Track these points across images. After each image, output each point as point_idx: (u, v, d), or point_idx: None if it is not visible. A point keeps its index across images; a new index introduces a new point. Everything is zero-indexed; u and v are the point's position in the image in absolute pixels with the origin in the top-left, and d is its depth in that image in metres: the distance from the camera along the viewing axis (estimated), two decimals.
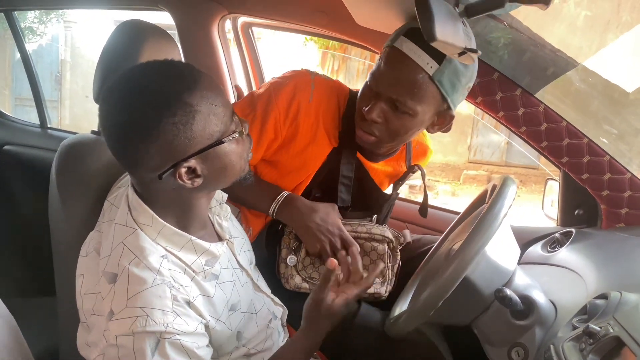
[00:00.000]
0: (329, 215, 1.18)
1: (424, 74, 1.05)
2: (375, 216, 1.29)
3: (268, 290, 1.15)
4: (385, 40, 1.12)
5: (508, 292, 0.93)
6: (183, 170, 0.84)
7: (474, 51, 0.78)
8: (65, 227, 1.09)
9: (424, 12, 0.69)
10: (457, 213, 1.77)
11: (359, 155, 1.27)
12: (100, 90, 1.12)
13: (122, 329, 0.81)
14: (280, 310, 1.16)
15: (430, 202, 1.37)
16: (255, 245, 1.19)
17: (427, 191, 1.34)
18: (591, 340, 0.74)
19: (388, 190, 1.40)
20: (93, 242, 0.98)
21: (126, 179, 1.09)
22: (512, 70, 1.28)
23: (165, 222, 0.90)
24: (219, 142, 0.86)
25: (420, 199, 1.38)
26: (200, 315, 0.90)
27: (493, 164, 10.21)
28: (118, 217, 0.93)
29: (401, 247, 1.26)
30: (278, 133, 1.20)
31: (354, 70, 8.67)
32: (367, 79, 1.13)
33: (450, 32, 0.72)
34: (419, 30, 0.86)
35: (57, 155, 1.11)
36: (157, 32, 1.17)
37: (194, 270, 0.92)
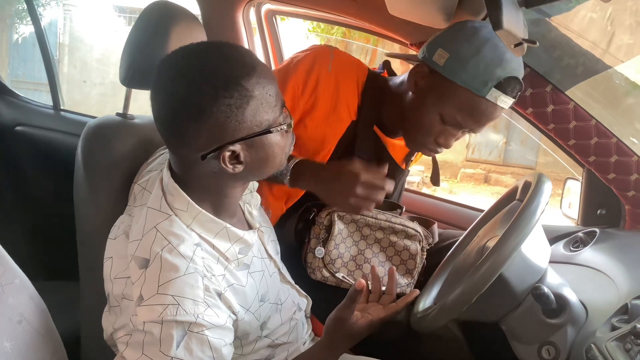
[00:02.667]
0: (341, 174, 1.09)
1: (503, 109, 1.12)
2: (403, 208, 1.27)
3: (292, 281, 1.13)
4: (417, 33, 1.11)
5: (545, 289, 0.92)
6: (227, 154, 0.82)
7: (531, 42, 0.76)
8: (91, 210, 1.07)
9: (492, 4, 0.68)
10: (474, 209, 1.77)
11: (376, 129, 1.26)
12: (128, 71, 1.09)
13: (151, 315, 0.79)
14: (304, 302, 1.14)
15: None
16: (279, 230, 1.17)
17: (424, 188, 1.33)
18: (638, 341, 0.73)
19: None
20: (123, 225, 0.95)
21: (156, 162, 1.07)
22: (543, 65, 1.27)
23: (201, 209, 0.88)
24: (267, 131, 0.85)
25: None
26: (230, 307, 0.88)
27: (491, 163, 10.24)
28: (151, 201, 0.91)
29: (429, 247, 1.24)
30: (296, 105, 1.18)
31: None
32: (442, 110, 1.11)
33: (514, 22, 0.70)
34: (511, 80, 1.03)
35: (82, 137, 1.09)
36: (186, 14, 1.15)
37: (227, 259, 0.90)
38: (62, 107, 1.92)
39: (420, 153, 1.39)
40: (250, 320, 0.93)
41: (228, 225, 0.91)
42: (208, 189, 0.90)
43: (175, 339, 0.78)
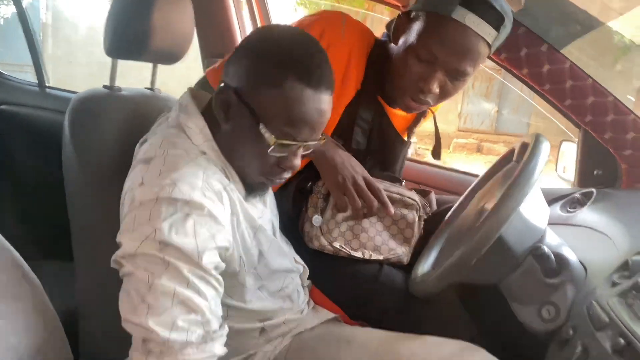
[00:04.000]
0: (352, 158, 1.14)
1: (484, 42, 1.06)
2: (404, 182, 1.26)
3: (290, 250, 1.12)
4: None
5: (545, 249, 0.92)
6: (223, 95, 0.86)
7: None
8: (81, 186, 1.05)
9: None
10: (470, 174, 1.76)
11: (380, 99, 1.24)
12: (113, 42, 1.07)
13: (148, 195, 0.79)
14: (300, 267, 1.14)
15: None
16: (277, 198, 1.16)
17: (416, 159, 1.31)
18: None
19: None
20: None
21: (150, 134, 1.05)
22: (539, 24, 1.24)
23: (212, 138, 0.90)
24: (257, 118, 0.84)
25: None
26: (230, 206, 0.88)
27: (483, 132, 10.26)
28: (162, 126, 0.93)
29: (426, 217, 1.23)
30: None
31: None
32: (415, 48, 1.09)
33: None
34: None
35: (69, 111, 1.06)
36: None
37: (228, 187, 0.89)
38: (47, 85, 1.87)
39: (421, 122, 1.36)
40: (247, 233, 0.93)
41: (232, 169, 0.92)
42: (218, 133, 0.91)
43: (164, 212, 0.77)
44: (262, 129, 0.84)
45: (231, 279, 0.92)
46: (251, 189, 0.96)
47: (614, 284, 0.83)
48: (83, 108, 1.07)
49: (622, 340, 0.67)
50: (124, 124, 1.08)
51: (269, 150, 0.85)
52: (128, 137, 1.05)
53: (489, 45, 1.07)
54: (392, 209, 1.11)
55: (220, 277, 0.83)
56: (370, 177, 1.11)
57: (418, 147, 7.06)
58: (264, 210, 1.02)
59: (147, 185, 0.81)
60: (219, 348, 0.80)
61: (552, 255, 0.93)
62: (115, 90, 1.13)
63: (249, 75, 0.85)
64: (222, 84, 0.88)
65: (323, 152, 1.10)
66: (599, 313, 0.76)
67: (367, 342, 1.04)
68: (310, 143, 0.89)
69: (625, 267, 0.84)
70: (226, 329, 0.84)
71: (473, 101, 10.00)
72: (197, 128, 0.90)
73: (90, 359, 1.10)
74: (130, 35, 1.08)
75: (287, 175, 0.93)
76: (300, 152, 0.91)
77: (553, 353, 0.87)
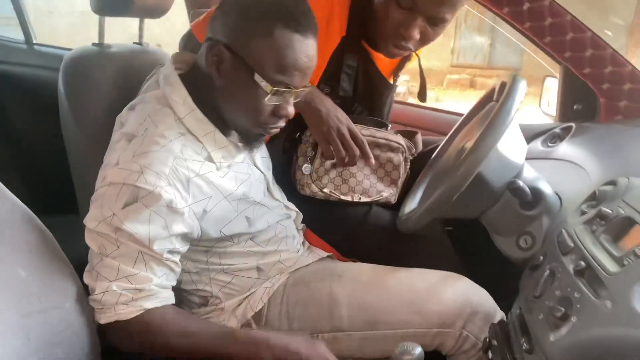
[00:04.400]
0: (337, 109, 1.18)
1: None
2: (390, 126, 1.30)
3: (283, 197, 1.19)
4: None
5: (520, 183, 0.98)
6: (214, 50, 0.90)
7: None
8: (80, 140, 1.10)
9: None
10: (456, 114, 1.80)
11: (364, 44, 1.26)
12: (98, 1, 1.08)
13: (117, 177, 0.86)
14: (293, 213, 1.20)
15: None
16: (269, 148, 1.21)
17: (410, 98, 1.33)
18: (603, 222, 0.79)
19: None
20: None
21: (144, 87, 1.09)
22: None
23: (196, 106, 0.94)
24: (251, 69, 0.88)
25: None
26: (200, 192, 0.93)
27: (476, 66, 10.16)
28: (148, 95, 0.97)
29: (412, 158, 1.29)
30: None
31: None
32: (395, 2, 1.10)
33: None
34: None
35: (62, 70, 1.09)
36: None
37: (209, 156, 0.96)
38: (34, 42, 1.87)
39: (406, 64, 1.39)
40: (226, 208, 0.99)
41: (217, 131, 0.96)
42: (208, 92, 0.95)
43: (125, 199, 0.85)
44: (258, 78, 0.88)
45: (216, 242, 1.02)
46: (248, 141, 1.02)
47: (582, 213, 0.89)
48: (75, 67, 1.10)
49: (582, 263, 0.74)
50: (115, 80, 1.12)
51: (265, 99, 0.90)
52: (120, 92, 1.10)
53: None
54: (372, 160, 1.18)
55: (176, 259, 0.93)
56: (354, 128, 1.16)
57: (411, 85, 7.03)
58: (251, 171, 1.07)
59: (119, 167, 0.87)
60: (150, 303, 0.89)
61: (528, 189, 0.99)
62: (105, 47, 1.15)
63: (237, 28, 0.88)
64: (210, 41, 0.91)
65: (309, 102, 1.14)
66: (565, 239, 0.83)
67: (358, 275, 1.12)
68: (302, 89, 0.94)
69: (593, 197, 0.90)
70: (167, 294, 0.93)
71: (465, 36, 9.85)
72: (181, 99, 0.94)
73: None
74: None
75: (282, 123, 0.98)
76: (293, 99, 0.95)
77: (525, 277, 0.95)
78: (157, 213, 0.86)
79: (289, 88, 0.91)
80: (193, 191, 0.92)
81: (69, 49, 1.80)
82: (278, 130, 1.00)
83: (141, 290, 0.88)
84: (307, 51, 0.90)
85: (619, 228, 0.76)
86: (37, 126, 1.76)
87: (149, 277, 0.89)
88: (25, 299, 0.79)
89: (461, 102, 8.35)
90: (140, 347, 0.91)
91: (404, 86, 6.96)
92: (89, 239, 0.89)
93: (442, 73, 9.57)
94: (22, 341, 0.76)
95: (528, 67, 8.63)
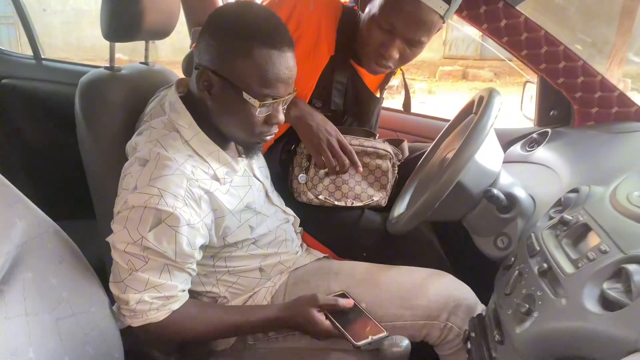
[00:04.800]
0: (327, 122, 1.29)
1: (436, 15, 1.16)
2: (377, 135, 1.41)
3: (281, 203, 1.29)
4: None
5: (495, 191, 1.08)
6: (203, 76, 0.99)
7: None
8: (97, 156, 1.21)
9: None
10: (441, 119, 1.90)
11: (352, 62, 1.36)
12: (110, 27, 1.18)
13: (138, 201, 0.95)
14: (292, 218, 1.31)
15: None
16: (266, 159, 1.32)
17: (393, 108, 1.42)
18: (565, 228, 0.90)
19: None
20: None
21: (150, 107, 1.19)
22: None
23: (200, 129, 1.04)
24: (239, 89, 0.97)
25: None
26: (211, 207, 1.04)
27: (468, 58, 10.24)
28: (155, 121, 1.07)
29: (399, 163, 1.39)
30: None
31: None
32: (377, 18, 1.20)
33: None
34: None
35: (78, 93, 1.20)
36: None
37: (215, 174, 1.06)
38: (42, 57, 1.96)
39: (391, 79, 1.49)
40: (233, 221, 1.10)
41: (220, 150, 1.07)
42: (205, 114, 1.04)
43: (150, 222, 0.95)
44: (246, 96, 0.97)
45: (222, 248, 1.13)
46: (248, 151, 1.12)
47: (550, 218, 1.00)
48: (90, 89, 1.21)
49: (545, 265, 0.84)
50: (125, 99, 1.23)
51: (256, 113, 1.00)
52: (130, 109, 1.21)
53: (442, 17, 1.18)
54: (360, 168, 1.29)
55: (194, 266, 1.05)
56: (343, 139, 1.27)
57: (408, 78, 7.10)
58: (251, 182, 1.17)
59: (139, 191, 0.95)
60: (176, 305, 1.02)
61: (503, 195, 1.10)
62: (116, 70, 1.25)
63: (220, 53, 0.98)
64: (199, 68, 1.00)
65: (301, 118, 1.25)
66: (533, 242, 0.93)
67: (353, 273, 1.23)
68: (287, 97, 1.04)
69: (559, 204, 1.01)
70: (186, 294, 1.07)
71: (457, 27, 9.92)
72: (187, 124, 1.04)
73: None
74: (125, 20, 1.19)
75: (275, 130, 1.08)
76: (281, 107, 1.05)
77: (499, 276, 1.05)
78: (181, 232, 0.96)
79: (276, 99, 1.00)
80: (203, 206, 1.02)
81: (75, 64, 1.90)
82: (273, 135, 1.09)
83: (169, 297, 1.00)
84: (286, 63, 0.99)
85: (577, 233, 0.87)
86: (44, 135, 1.85)
87: (175, 285, 1.00)
88: (58, 304, 0.89)
89: (453, 93, 8.43)
90: (170, 341, 1.04)
91: (398, 78, 7.04)
92: (116, 256, 0.99)
93: (435, 65, 9.65)
94: (56, 342, 0.86)
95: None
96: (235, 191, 1.11)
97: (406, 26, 1.18)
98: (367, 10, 1.25)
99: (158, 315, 1.00)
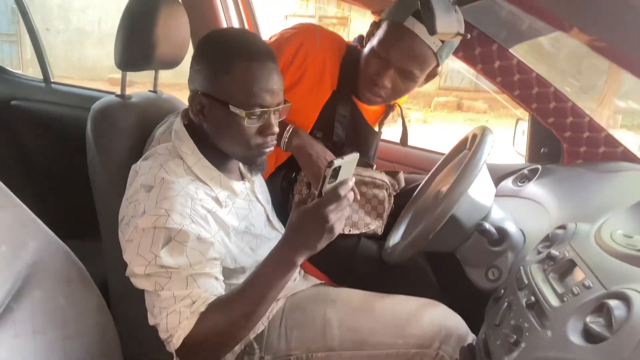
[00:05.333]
0: (326, 152, 1.35)
1: (430, 51, 1.24)
2: (375, 166, 1.46)
3: (282, 228, 1.33)
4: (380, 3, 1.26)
5: (487, 225, 1.13)
6: (195, 99, 1.05)
7: (463, 36, 0.93)
8: (106, 180, 1.25)
9: (426, 11, 0.84)
10: (436, 153, 1.97)
11: (353, 98, 1.43)
12: (123, 57, 1.24)
13: (147, 223, 0.98)
14: None
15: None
16: (268, 186, 1.36)
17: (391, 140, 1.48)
18: (552, 263, 0.94)
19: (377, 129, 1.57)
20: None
21: (157, 133, 1.24)
22: (490, 27, 1.43)
23: (202, 156, 1.09)
24: (225, 103, 1.03)
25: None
26: (216, 225, 1.07)
27: (463, 89, 10.39)
28: (160, 147, 1.11)
29: (395, 193, 1.45)
30: (283, 76, 1.34)
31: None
32: (375, 48, 1.29)
33: (447, 24, 0.87)
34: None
35: (90, 119, 1.25)
36: (169, 1, 1.28)
37: (217, 197, 1.10)
38: (52, 80, 2.02)
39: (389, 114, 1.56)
40: (235, 243, 1.13)
41: (221, 174, 1.12)
42: (206, 139, 1.10)
43: (161, 241, 0.98)
44: (232, 108, 1.03)
45: (232, 271, 1.15)
46: (250, 166, 1.16)
47: (538, 253, 1.05)
48: (101, 116, 1.26)
49: (533, 298, 0.89)
50: (135, 126, 1.28)
51: (245, 123, 1.05)
52: (139, 136, 1.26)
53: (435, 55, 1.26)
54: (358, 196, 1.34)
55: (217, 273, 1.04)
56: None
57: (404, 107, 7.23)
58: (252, 206, 1.22)
59: (147, 214, 0.99)
60: (203, 307, 0.99)
61: (494, 229, 1.15)
62: (126, 99, 1.31)
63: (205, 76, 1.05)
64: (191, 93, 1.07)
65: (301, 147, 1.32)
66: (522, 276, 0.98)
67: (349, 301, 1.26)
68: (278, 107, 1.08)
69: (547, 239, 1.06)
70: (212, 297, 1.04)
71: (453, 58, 10.09)
72: (190, 151, 1.10)
73: (122, 321, 1.31)
74: (138, 50, 1.25)
75: (272, 141, 1.12)
76: (273, 118, 1.09)
77: (489, 307, 1.09)
78: (192, 247, 1.00)
79: (263, 108, 1.05)
80: (211, 224, 1.06)
81: (83, 88, 1.96)
82: (272, 149, 1.13)
83: (195, 301, 0.98)
84: (267, 72, 1.04)
85: (564, 268, 0.92)
86: (51, 157, 1.89)
87: (201, 291, 1.00)
88: (65, 323, 0.93)
89: (448, 124, 8.55)
90: (214, 344, 0.99)
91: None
92: (140, 284, 0.99)
93: (431, 95, 9.79)
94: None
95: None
96: (237, 212, 1.16)
97: (401, 56, 1.26)
98: (368, 44, 1.33)
99: (190, 322, 0.97)
